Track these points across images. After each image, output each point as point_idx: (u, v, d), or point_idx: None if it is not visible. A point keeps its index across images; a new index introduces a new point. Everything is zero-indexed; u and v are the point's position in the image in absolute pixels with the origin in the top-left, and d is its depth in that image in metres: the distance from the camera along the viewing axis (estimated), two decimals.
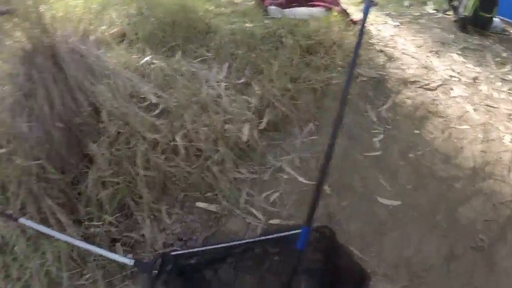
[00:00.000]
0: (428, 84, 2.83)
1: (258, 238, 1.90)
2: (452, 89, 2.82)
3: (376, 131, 2.42)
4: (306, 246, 1.62)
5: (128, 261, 1.82)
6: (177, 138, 2.03)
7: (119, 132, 2.07)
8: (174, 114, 2.08)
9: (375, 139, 2.38)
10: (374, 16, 3.51)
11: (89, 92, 2.12)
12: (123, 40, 2.29)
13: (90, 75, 2.02)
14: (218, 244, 1.87)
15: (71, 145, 2.10)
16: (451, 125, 2.53)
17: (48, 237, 2.00)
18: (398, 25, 3.44)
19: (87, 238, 2.00)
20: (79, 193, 2.10)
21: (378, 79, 2.72)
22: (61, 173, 2.04)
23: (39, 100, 1.98)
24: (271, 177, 2.16)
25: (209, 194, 2.09)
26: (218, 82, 2.22)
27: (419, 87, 2.80)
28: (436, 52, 3.22)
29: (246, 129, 2.15)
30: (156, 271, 1.81)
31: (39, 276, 1.97)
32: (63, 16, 2.00)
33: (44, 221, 2.02)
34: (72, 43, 2.03)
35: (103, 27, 2.27)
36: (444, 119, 2.57)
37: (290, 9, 2.92)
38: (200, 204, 2.08)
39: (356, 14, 3.21)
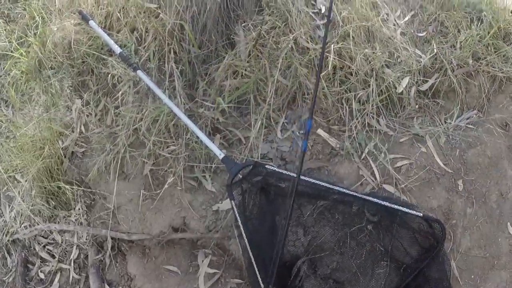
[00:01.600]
0: None
1: (363, 196, 1.62)
2: None
3: None
4: None
5: (218, 153, 1.68)
6: (331, 54, 1.78)
7: (273, 26, 1.87)
8: (338, 30, 1.84)
9: None
10: None
11: None
12: None
13: None
14: (318, 180, 1.61)
15: (219, 22, 1.96)
16: None
17: (155, 98, 1.90)
18: None
19: (191, 116, 1.86)
20: (205, 73, 1.96)
21: None
22: (198, 44, 1.91)
23: None
24: (408, 142, 1.85)
25: (335, 127, 1.84)
26: (395, 25, 1.93)
27: None
28: None
29: (405, 81, 1.85)
30: (241, 176, 1.63)
31: (128, 130, 1.88)
32: None
33: (159, 83, 1.92)
34: None
35: None
36: None
37: None
38: (321, 132, 1.83)
39: None
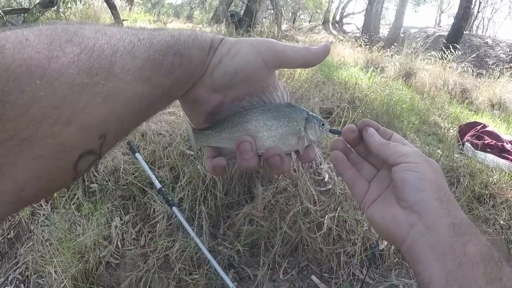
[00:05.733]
0: None
1: None
2: None
3: None
4: None
5: (231, 285, 2.07)
6: (326, 220, 2.21)
7: (286, 188, 2.31)
8: (335, 198, 2.27)
9: None
10: None
11: None
12: (329, 117, 2.52)
13: None
14: None
15: (243, 176, 2.39)
16: None
17: (185, 233, 2.33)
18: None
19: (212, 251, 2.29)
20: (227, 216, 2.40)
21: None
22: (224, 192, 2.35)
23: None
24: None
25: (326, 274, 2.26)
26: None
27: None
28: None
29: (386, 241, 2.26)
30: None
31: (160, 254, 2.31)
32: None
33: (190, 221, 2.36)
34: None
35: (316, 99, 2.52)
36: None
37: (484, 153, 2.91)
38: (314, 278, 2.25)
39: None
